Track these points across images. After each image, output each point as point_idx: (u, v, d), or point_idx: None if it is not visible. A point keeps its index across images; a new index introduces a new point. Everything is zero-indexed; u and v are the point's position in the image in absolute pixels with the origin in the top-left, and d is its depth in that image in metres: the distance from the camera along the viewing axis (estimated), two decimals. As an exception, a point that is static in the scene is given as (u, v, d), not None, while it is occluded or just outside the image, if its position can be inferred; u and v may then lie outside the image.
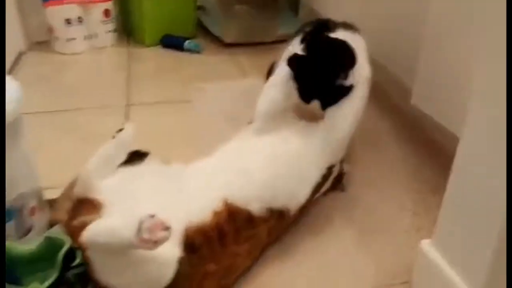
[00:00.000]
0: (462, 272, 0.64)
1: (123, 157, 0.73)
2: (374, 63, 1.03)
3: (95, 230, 0.59)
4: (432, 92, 0.97)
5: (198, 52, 1.64)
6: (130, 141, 0.73)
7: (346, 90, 0.80)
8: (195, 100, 1.32)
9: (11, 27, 1.50)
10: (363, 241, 0.84)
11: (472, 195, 0.62)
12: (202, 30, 1.80)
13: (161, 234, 0.54)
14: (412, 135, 1.17)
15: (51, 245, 0.65)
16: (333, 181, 0.90)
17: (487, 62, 0.56)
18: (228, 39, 1.69)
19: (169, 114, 1.26)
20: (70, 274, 0.63)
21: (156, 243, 0.54)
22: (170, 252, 0.62)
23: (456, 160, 0.64)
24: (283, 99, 0.84)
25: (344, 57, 0.81)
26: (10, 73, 1.42)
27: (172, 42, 1.67)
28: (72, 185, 0.77)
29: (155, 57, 1.63)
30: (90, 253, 0.61)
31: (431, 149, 1.10)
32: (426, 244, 0.71)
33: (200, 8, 1.81)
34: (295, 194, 0.78)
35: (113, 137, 0.73)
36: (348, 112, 0.81)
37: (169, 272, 0.61)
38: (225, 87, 1.41)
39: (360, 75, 0.83)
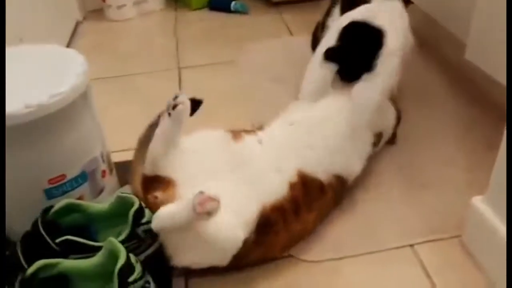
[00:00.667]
0: (515, 228, 0.65)
1: (180, 130, 0.73)
2: (427, 18, 1.00)
3: (160, 218, 0.66)
4: (487, 46, 0.93)
5: (245, 13, 1.65)
6: (185, 114, 0.72)
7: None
8: (242, 61, 1.34)
9: (67, -1, 1.57)
10: (413, 196, 0.86)
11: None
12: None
13: (210, 205, 0.61)
14: (465, 90, 1.13)
15: (122, 204, 0.72)
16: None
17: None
18: (274, -2, 1.67)
19: (218, 75, 1.29)
20: (140, 230, 0.70)
21: (208, 213, 0.62)
22: (233, 231, 0.67)
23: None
24: (329, 77, 0.85)
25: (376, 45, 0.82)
26: (70, 42, 1.50)
27: (219, 4, 1.68)
28: (140, 148, 0.82)
29: (203, 19, 1.66)
30: (162, 237, 0.69)
31: (484, 105, 1.07)
32: (478, 200, 0.72)
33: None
34: (352, 163, 0.82)
35: (169, 114, 0.72)
36: (372, 87, 0.82)
37: (232, 247, 0.67)
38: (271, 46, 1.42)
39: (388, 48, 0.82)
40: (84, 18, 1.69)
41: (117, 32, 1.62)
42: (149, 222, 0.71)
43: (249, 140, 0.78)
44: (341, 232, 0.80)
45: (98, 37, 1.57)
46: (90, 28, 1.64)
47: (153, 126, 0.79)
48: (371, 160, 0.92)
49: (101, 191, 0.80)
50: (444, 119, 1.05)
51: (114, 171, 0.85)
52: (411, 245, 0.76)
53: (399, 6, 0.93)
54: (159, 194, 0.70)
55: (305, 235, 0.77)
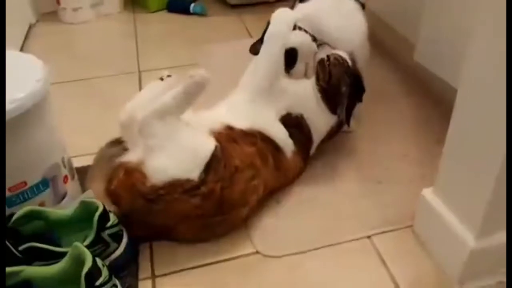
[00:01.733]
0: (461, 216, 0.70)
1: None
2: (379, 21, 1.05)
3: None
4: (434, 48, 0.99)
5: (204, 14, 1.66)
6: (204, 86, 0.77)
7: None
8: (203, 63, 1.35)
9: (20, 1, 1.52)
10: (369, 189, 0.90)
11: (469, 145, 0.66)
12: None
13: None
14: (416, 89, 1.20)
15: (86, 209, 0.72)
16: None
17: (486, 22, 0.59)
18: (232, 0, 1.69)
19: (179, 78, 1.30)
20: (105, 233, 0.70)
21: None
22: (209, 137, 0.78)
23: (455, 111, 0.68)
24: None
25: None
26: (23, 45, 1.46)
27: (177, 6, 1.68)
28: (100, 154, 0.83)
29: (162, 22, 1.65)
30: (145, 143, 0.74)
31: (432, 102, 1.14)
32: (428, 192, 0.77)
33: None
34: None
35: (161, 78, 0.81)
36: None
37: (209, 148, 0.75)
38: (232, 48, 1.43)
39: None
40: (38, 21, 1.64)
41: (73, 35, 1.59)
42: (114, 225, 0.72)
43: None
44: (302, 226, 0.83)
45: (53, 40, 1.53)
46: (44, 31, 1.59)
47: (114, 143, 0.83)
48: (330, 156, 0.97)
49: (63, 197, 0.79)
50: (397, 116, 1.11)
51: (76, 176, 0.85)
52: (368, 236, 0.80)
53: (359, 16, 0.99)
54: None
55: (260, 174, 0.81)
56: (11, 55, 0.76)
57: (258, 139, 0.84)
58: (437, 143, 0.98)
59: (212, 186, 0.74)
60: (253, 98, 0.88)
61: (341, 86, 0.90)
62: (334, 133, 0.96)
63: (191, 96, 0.76)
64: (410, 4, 1.08)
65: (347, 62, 0.92)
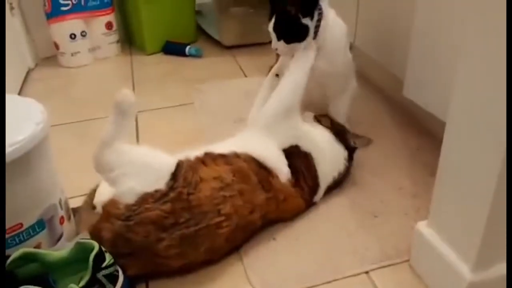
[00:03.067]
0: (456, 249, 0.70)
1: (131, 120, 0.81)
2: (368, 59, 1.09)
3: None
4: (422, 84, 1.02)
5: (199, 56, 1.70)
6: (130, 103, 0.79)
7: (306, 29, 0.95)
8: (197, 102, 1.38)
9: (18, 46, 1.57)
10: (365, 223, 0.91)
11: (460, 177, 0.67)
12: (203, 33, 1.85)
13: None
14: (409, 122, 1.23)
15: (82, 250, 0.71)
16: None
17: (469, 55, 0.62)
18: (227, 42, 1.74)
19: (177, 118, 1.32)
20: (101, 274, 0.70)
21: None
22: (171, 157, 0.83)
23: (444, 144, 0.70)
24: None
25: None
26: (21, 89, 1.50)
27: (173, 49, 1.73)
28: (90, 197, 0.84)
29: (158, 64, 1.70)
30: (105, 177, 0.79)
31: (426, 134, 1.16)
32: (422, 225, 0.77)
33: (197, 13, 1.87)
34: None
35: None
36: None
37: (172, 161, 0.82)
38: (227, 88, 1.47)
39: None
40: (37, 65, 1.68)
41: (72, 78, 1.63)
42: (110, 266, 0.71)
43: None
44: (300, 262, 0.83)
45: (51, 84, 1.57)
46: (43, 75, 1.64)
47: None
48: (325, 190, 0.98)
49: (59, 238, 0.79)
50: (390, 149, 1.13)
51: (72, 217, 0.85)
52: (366, 272, 0.80)
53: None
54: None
55: (231, 186, 0.83)
56: (12, 99, 0.78)
57: (239, 160, 0.87)
58: (430, 175, 0.99)
59: (180, 190, 0.78)
60: (263, 127, 0.94)
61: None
62: (341, 179, 0.99)
63: (123, 116, 0.78)
64: (397, 42, 1.13)
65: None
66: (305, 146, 0.94)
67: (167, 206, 0.76)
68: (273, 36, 0.99)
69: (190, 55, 1.71)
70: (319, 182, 0.94)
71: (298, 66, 0.96)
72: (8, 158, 0.66)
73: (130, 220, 0.75)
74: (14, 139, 0.67)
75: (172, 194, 0.77)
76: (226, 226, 0.80)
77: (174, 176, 0.79)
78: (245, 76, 1.56)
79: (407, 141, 1.15)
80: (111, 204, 0.77)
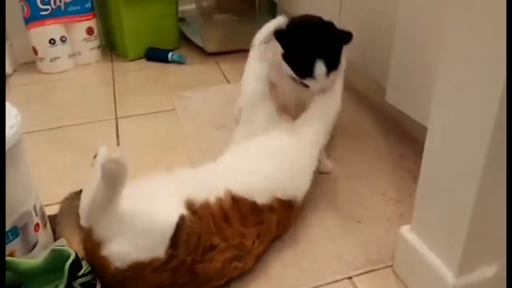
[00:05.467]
0: (439, 253, 0.70)
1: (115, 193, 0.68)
2: (352, 66, 1.09)
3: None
4: (404, 89, 1.03)
5: (182, 62, 1.69)
6: (119, 175, 0.67)
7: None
8: (180, 109, 1.37)
9: (-4, 51, 1.53)
10: (349, 229, 0.90)
11: (442, 182, 0.67)
12: (185, 40, 1.85)
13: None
14: (392, 128, 1.23)
15: (58, 257, 0.69)
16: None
17: (449, 60, 0.62)
18: (210, 49, 1.74)
19: (158, 124, 1.30)
20: (77, 283, 0.67)
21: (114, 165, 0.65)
22: (172, 208, 0.71)
23: (426, 148, 0.70)
24: (264, 88, 0.91)
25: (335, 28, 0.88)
26: None
27: (156, 55, 1.72)
28: (69, 199, 0.82)
29: (140, 70, 1.68)
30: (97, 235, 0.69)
31: (410, 140, 1.17)
32: (405, 229, 0.77)
33: (180, 20, 1.86)
34: (296, 184, 0.85)
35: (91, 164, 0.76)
36: (338, 84, 0.90)
37: (171, 222, 0.68)
38: (210, 94, 1.46)
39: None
40: (15, 71, 1.65)
41: (50, 84, 1.59)
42: (87, 274, 0.69)
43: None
44: (284, 268, 0.81)
45: (30, 90, 1.54)
46: (21, 81, 1.60)
47: (77, 194, 0.81)
48: (308, 196, 0.97)
49: (34, 246, 0.76)
50: (374, 156, 1.13)
51: (48, 225, 0.82)
52: (350, 278, 0.79)
53: None
54: None
55: (249, 253, 0.76)
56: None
57: (271, 213, 0.79)
58: (413, 182, 1.00)
59: (183, 258, 0.69)
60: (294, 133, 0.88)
61: None
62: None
63: (113, 185, 0.67)
64: (379, 49, 1.13)
65: None
66: None
67: (168, 274, 0.69)
68: (320, 79, 0.88)
69: (173, 62, 1.69)
70: None
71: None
72: (-21, 162, 0.64)
73: (123, 283, 0.69)
74: (-13, 142, 0.65)
75: (173, 263, 0.68)
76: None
77: (175, 240, 0.68)
78: (228, 82, 1.56)
79: (390, 148, 1.16)
80: (100, 255, 0.69)
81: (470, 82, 0.59)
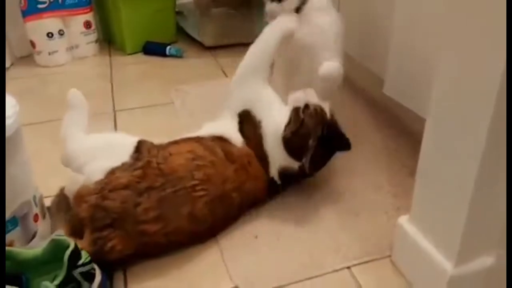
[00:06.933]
0: (437, 243, 0.71)
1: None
2: (350, 60, 1.10)
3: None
4: (402, 81, 1.04)
5: (180, 56, 1.69)
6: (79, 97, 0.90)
7: None
8: (177, 102, 1.37)
9: (-7, 44, 1.53)
10: (347, 222, 0.90)
11: (440, 172, 0.68)
12: (183, 34, 1.84)
13: None
14: (389, 122, 1.24)
15: (57, 247, 0.69)
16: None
17: (448, 55, 0.63)
18: (207, 43, 1.73)
19: (154, 117, 1.30)
20: (77, 272, 0.68)
21: None
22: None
23: (424, 139, 0.70)
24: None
25: None
26: (-4, 89, 1.45)
27: (153, 49, 1.71)
28: (60, 195, 0.84)
29: (137, 63, 1.68)
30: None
31: (406, 134, 1.17)
32: (403, 220, 0.77)
33: (178, 13, 1.85)
34: None
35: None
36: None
37: (134, 139, 0.86)
38: (208, 88, 1.46)
39: None
40: (12, 64, 1.64)
41: (49, 77, 1.59)
42: (86, 263, 0.69)
43: None
44: (282, 260, 0.82)
45: (27, 83, 1.53)
46: (19, 74, 1.59)
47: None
48: (306, 190, 0.97)
49: (33, 236, 0.77)
50: (371, 149, 1.13)
51: (47, 215, 0.82)
52: (348, 267, 0.80)
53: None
54: None
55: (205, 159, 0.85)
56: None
57: (207, 139, 0.90)
58: (409, 176, 1.00)
59: (148, 159, 0.81)
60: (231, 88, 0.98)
61: (309, 139, 0.86)
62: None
63: (75, 110, 0.89)
64: (377, 42, 1.14)
65: (325, 114, 0.91)
66: (258, 114, 0.92)
67: (138, 172, 0.78)
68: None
69: (171, 55, 1.69)
70: (267, 154, 0.91)
71: (273, 29, 0.96)
72: (-22, 151, 0.63)
73: (102, 191, 0.76)
74: (-15, 132, 0.65)
75: (140, 163, 0.80)
76: (202, 190, 0.81)
77: (137, 149, 0.82)
78: (226, 76, 1.55)
79: (386, 141, 1.16)
80: (81, 188, 0.78)
81: (469, 75, 0.59)
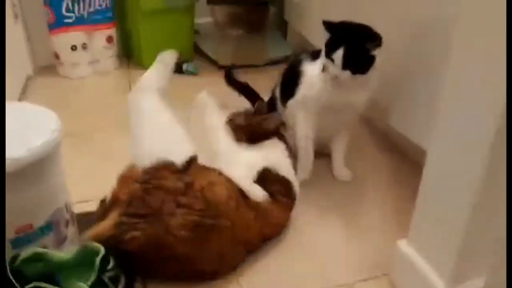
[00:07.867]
0: (433, 266, 0.77)
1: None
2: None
3: None
4: (408, 115, 1.11)
5: (195, 73, 1.77)
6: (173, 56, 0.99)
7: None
8: (191, 118, 1.44)
9: (19, 53, 1.61)
10: (349, 239, 0.98)
11: (438, 202, 0.75)
12: (199, 51, 1.92)
13: None
14: (390, 144, 1.32)
15: (87, 253, 0.76)
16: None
17: (453, 83, 0.69)
18: (221, 62, 1.81)
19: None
20: (106, 276, 0.74)
21: None
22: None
23: (425, 169, 0.77)
24: None
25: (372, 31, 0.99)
26: (21, 96, 1.53)
27: (170, 65, 1.78)
28: (101, 207, 0.88)
29: (155, 79, 1.74)
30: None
31: (409, 161, 1.24)
32: (402, 243, 0.84)
33: (195, 32, 1.94)
34: None
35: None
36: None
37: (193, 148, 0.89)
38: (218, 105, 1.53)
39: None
40: (36, 74, 1.72)
41: (70, 89, 1.66)
42: (113, 269, 0.76)
43: None
44: (290, 271, 0.89)
45: (51, 93, 1.60)
46: (42, 84, 1.67)
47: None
48: (309, 209, 1.04)
49: (63, 241, 0.83)
50: (375, 172, 1.21)
51: (75, 222, 0.89)
52: (351, 284, 0.87)
53: None
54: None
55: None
56: (28, 107, 0.83)
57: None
58: (410, 197, 1.06)
59: (193, 179, 0.82)
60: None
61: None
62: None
63: (164, 65, 1.05)
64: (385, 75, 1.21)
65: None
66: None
67: (181, 185, 0.80)
68: (338, 65, 0.99)
69: (187, 72, 1.77)
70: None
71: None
72: (25, 162, 0.71)
73: (148, 183, 0.79)
74: (32, 144, 0.72)
75: (186, 178, 0.82)
76: (230, 232, 0.83)
77: (188, 162, 0.84)
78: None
79: (390, 164, 1.24)
80: (128, 169, 0.83)
81: (468, 113, 0.66)
